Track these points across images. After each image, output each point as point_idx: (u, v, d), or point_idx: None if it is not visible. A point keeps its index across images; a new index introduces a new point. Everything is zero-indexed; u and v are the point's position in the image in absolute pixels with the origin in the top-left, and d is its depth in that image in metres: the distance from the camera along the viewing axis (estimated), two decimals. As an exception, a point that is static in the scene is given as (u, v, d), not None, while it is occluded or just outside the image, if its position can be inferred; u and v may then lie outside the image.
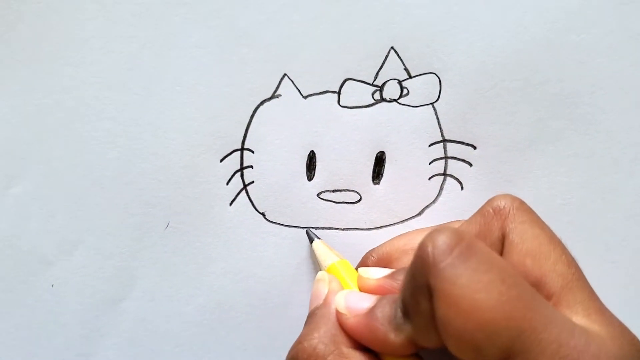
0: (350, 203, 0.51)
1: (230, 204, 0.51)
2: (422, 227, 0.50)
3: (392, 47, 0.49)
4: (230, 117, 0.50)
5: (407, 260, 0.45)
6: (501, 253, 0.40)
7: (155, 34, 0.49)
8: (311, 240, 0.50)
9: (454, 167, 0.50)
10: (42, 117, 0.49)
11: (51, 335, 0.51)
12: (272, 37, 0.49)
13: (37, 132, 0.49)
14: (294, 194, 0.51)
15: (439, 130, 0.50)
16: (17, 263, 0.51)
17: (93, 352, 0.52)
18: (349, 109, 0.50)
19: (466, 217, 0.43)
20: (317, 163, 0.50)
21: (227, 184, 0.50)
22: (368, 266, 0.47)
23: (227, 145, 0.50)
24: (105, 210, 0.50)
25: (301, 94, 0.50)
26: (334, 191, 0.51)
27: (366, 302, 0.40)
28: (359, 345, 0.40)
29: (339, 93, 0.50)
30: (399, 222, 0.51)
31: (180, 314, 0.52)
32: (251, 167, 0.50)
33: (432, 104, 0.50)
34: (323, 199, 0.51)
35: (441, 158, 0.50)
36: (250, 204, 0.51)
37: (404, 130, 0.50)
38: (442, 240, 0.34)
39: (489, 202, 0.41)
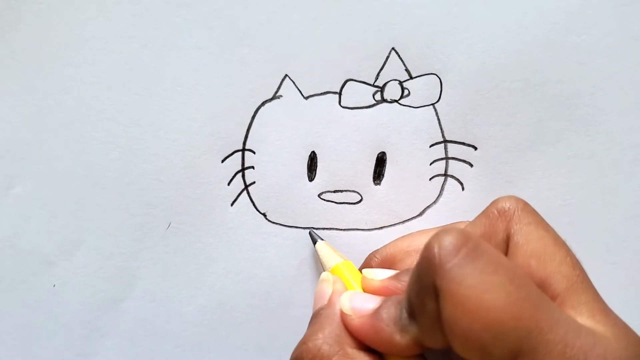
0: (351, 203, 0.51)
1: (232, 205, 0.51)
2: (423, 227, 0.51)
3: (393, 48, 0.49)
4: (232, 117, 0.50)
5: (410, 262, 0.45)
6: (506, 254, 0.40)
7: (156, 35, 0.49)
8: (314, 242, 0.50)
9: (454, 167, 0.51)
10: (42, 118, 0.49)
11: (52, 335, 0.51)
12: (273, 37, 0.49)
13: (37, 132, 0.49)
14: (295, 195, 0.51)
15: (439, 131, 0.50)
16: (18, 263, 0.51)
17: (94, 352, 0.52)
18: (350, 110, 0.50)
19: (467, 218, 0.43)
20: (318, 164, 0.50)
21: (229, 184, 0.51)
22: (372, 267, 0.47)
23: (229, 146, 0.50)
24: (106, 210, 0.50)
25: (302, 94, 0.50)
26: (335, 192, 0.51)
27: (371, 303, 0.40)
28: (363, 346, 0.40)
29: (340, 94, 0.50)
30: (399, 222, 0.51)
31: (181, 314, 0.52)
32: (252, 167, 0.50)
33: (433, 104, 0.50)
34: (324, 200, 0.51)
35: (442, 159, 0.50)
36: (251, 204, 0.51)
37: (404, 131, 0.50)
38: (448, 241, 0.34)
39: (493, 203, 0.41)
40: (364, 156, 0.50)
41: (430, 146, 0.50)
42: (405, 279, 0.40)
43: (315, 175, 0.51)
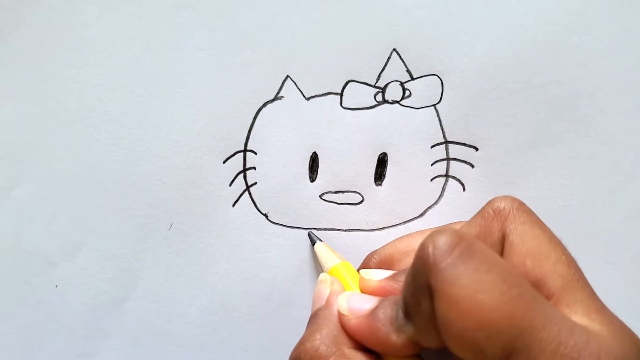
0: (353, 204, 0.51)
1: (233, 205, 0.51)
2: (424, 228, 0.51)
3: (394, 49, 0.49)
4: (233, 118, 0.50)
5: (408, 262, 0.45)
6: (501, 254, 0.40)
7: (158, 36, 0.49)
8: (313, 243, 0.50)
9: (455, 168, 0.51)
10: (44, 119, 0.49)
11: (54, 335, 0.52)
12: (275, 39, 0.49)
13: (39, 133, 0.50)
14: (297, 195, 0.51)
15: (440, 131, 0.50)
16: (20, 264, 0.51)
17: (96, 353, 0.52)
18: (352, 111, 0.50)
19: (468, 219, 0.43)
20: (319, 164, 0.51)
21: (230, 185, 0.51)
22: (370, 268, 0.47)
23: (230, 147, 0.50)
24: (109, 211, 0.51)
25: (304, 95, 0.50)
26: (336, 192, 0.51)
27: (368, 303, 0.40)
28: (360, 346, 0.40)
29: (341, 95, 0.50)
30: (401, 223, 0.51)
31: (182, 315, 0.52)
32: (254, 168, 0.51)
33: (434, 105, 0.50)
34: (325, 200, 0.51)
35: (443, 159, 0.50)
36: (253, 205, 0.51)
37: (406, 132, 0.50)
38: (442, 241, 0.34)
39: (489, 203, 0.41)
40: (365, 157, 0.50)
41: (432, 147, 0.50)
42: (402, 279, 0.41)
43: (316, 176, 0.51)
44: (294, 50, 0.49)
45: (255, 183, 0.51)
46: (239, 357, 0.52)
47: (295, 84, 0.50)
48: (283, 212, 0.51)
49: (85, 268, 0.51)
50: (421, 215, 0.51)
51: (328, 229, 0.51)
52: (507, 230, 0.40)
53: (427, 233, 0.36)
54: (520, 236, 0.39)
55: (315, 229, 0.51)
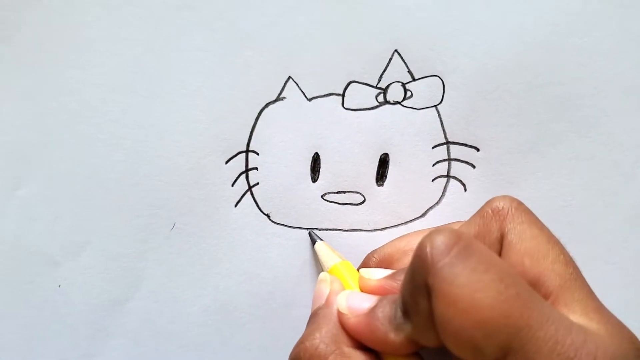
0: (354, 204, 0.51)
1: (236, 206, 0.51)
2: (424, 228, 0.51)
3: (395, 50, 0.49)
4: (235, 119, 0.50)
5: (408, 261, 0.44)
6: (500, 253, 0.40)
7: (160, 37, 0.49)
8: (314, 242, 0.50)
9: (457, 168, 0.51)
10: (47, 120, 0.50)
11: (57, 335, 0.52)
12: (276, 39, 0.49)
13: (42, 134, 0.50)
14: (299, 196, 0.51)
15: (442, 132, 0.50)
16: (23, 264, 0.51)
17: (99, 352, 0.52)
18: (353, 111, 0.50)
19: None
20: (321, 165, 0.51)
21: (232, 185, 0.51)
22: (369, 267, 0.47)
23: (232, 148, 0.50)
24: (111, 211, 0.51)
25: (305, 96, 0.50)
26: (337, 193, 0.51)
27: (367, 302, 0.40)
28: (360, 344, 0.40)
29: (343, 95, 0.50)
30: (402, 223, 0.51)
31: (185, 315, 0.52)
32: (256, 168, 0.51)
33: (435, 106, 0.50)
34: (327, 201, 0.51)
35: (444, 160, 0.51)
36: (255, 205, 0.51)
37: (407, 133, 0.50)
38: (440, 241, 0.34)
39: (488, 203, 0.41)
40: (366, 157, 0.51)
41: (433, 147, 0.50)
42: (401, 279, 0.41)
43: (318, 177, 0.51)
44: (296, 51, 0.49)
45: (258, 183, 0.51)
46: (241, 357, 0.52)
47: (297, 84, 0.50)
48: (285, 212, 0.51)
49: (89, 268, 0.51)
50: (422, 215, 0.51)
51: (330, 229, 0.51)
52: (506, 229, 0.40)
53: (426, 233, 0.36)
54: (519, 235, 0.39)
55: (316, 229, 0.51)
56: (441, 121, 0.50)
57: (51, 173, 0.50)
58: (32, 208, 0.50)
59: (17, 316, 0.51)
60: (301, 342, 0.41)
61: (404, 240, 0.48)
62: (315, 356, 0.39)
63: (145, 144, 0.50)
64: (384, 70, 0.49)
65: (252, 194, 0.51)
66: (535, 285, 0.37)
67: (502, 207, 0.40)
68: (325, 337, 0.40)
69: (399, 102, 0.50)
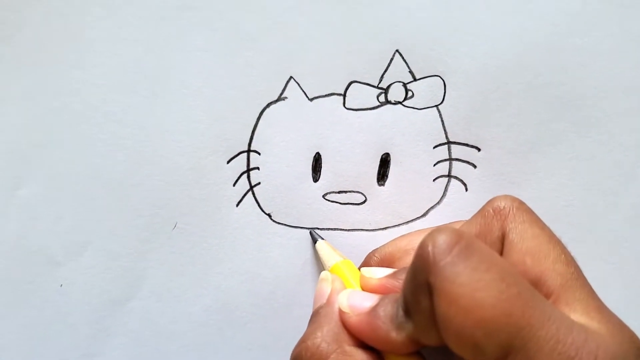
0: (356, 204, 0.51)
1: (237, 205, 0.51)
2: (426, 228, 0.51)
3: (397, 50, 0.49)
4: (237, 119, 0.50)
5: (409, 260, 0.44)
6: (501, 252, 0.40)
7: (161, 37, 0.49)
8: (315, 241, 0.51)
9: (458, 168, 0.51)
10: (49, 120, 0.50)
11: (58, 334, 0.52)
12: (278, 39, 0.49)
13: (44, 134, 0.50)
14: (300, 195, 0.51)
15: (443, 132, 0.50)
16: (24, 264, 0.51)
17: (100, 352, 0.52)
18: (355, 111, 0.50)
19: (470, 219, 0.44)
20: (322, 165, 0.51)
21: (234, 185, 0.51)
22: (371, 266, 0.47)
23: (234, 147, 0.50)
24: (113, 211, 0.51)
25: (307, 96, 0.50)
26: (339, 192, 0.51)
27: (368, 301, 0.40)
28: (361, 343, 0.40)
29: (344, 95, 0.50)
30: (403, 223, 0.51)
31: (186, 314, 0.52)
32: (257, 168, 0.51)
33: (436, 106, 0.50)
34: (328, 200, 0.51)
35: (445, 160, 0.51)
36: (256, 205, 0.51)
37: (408, 132, 0.50)
38: (442, 239, 0.34)
39: (489, 202, 0.41)
40: (368, 157, 0.51)
41: (434, 147, 0.50)
42: (403, 277, 0.41)
43: (319, 176, 0.51)
44: (297, 51, 0.49)
45: (259, 183, 0.51)
46: (243, 356, 0.52)
47: (298, 84, 0.50)
48: (286, 212, 0.51)
49: (90, 268, 0.51)
50: (424, 215, 0.51)
51: (331, 229, 0.51)
52: (507, 229, 0.40)
53: (428, 232, 0.36)
54: (520, 235, 0.39)
55: (318, 228, 0.51)
56: (442, 121, 0.50)
57: (52, 173, 0.50)
58: (33, 208, 0.50)
59: (18, 316, 0.51)
60: (303, 341, 0.41)
61: (405, 240, 0.48)
62: (317, 355, 0.39)
63: (147, 144, 0.50)
64: (385, 70, 0.49)
65: (253, 193, 0.51)
66: (537, 284, 0.37)
67: (504, 207, 0.40)
68: (326, 336, 0.40)
69: (400, 102, 0.50)
